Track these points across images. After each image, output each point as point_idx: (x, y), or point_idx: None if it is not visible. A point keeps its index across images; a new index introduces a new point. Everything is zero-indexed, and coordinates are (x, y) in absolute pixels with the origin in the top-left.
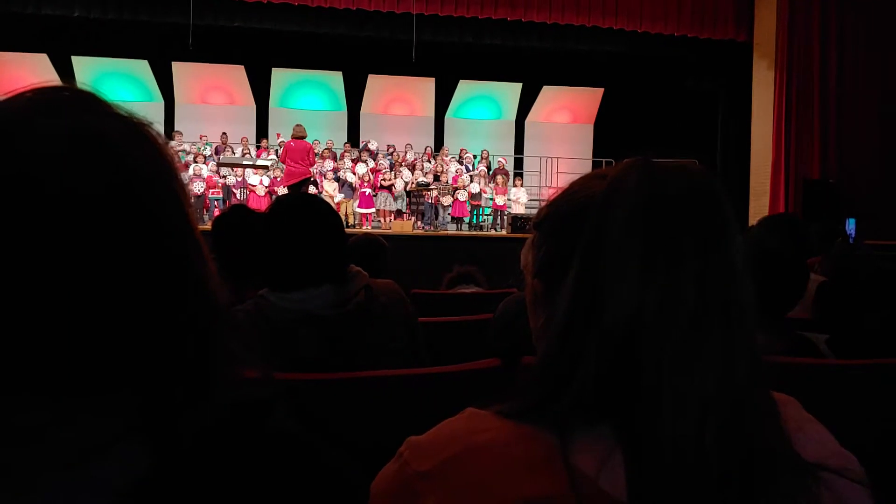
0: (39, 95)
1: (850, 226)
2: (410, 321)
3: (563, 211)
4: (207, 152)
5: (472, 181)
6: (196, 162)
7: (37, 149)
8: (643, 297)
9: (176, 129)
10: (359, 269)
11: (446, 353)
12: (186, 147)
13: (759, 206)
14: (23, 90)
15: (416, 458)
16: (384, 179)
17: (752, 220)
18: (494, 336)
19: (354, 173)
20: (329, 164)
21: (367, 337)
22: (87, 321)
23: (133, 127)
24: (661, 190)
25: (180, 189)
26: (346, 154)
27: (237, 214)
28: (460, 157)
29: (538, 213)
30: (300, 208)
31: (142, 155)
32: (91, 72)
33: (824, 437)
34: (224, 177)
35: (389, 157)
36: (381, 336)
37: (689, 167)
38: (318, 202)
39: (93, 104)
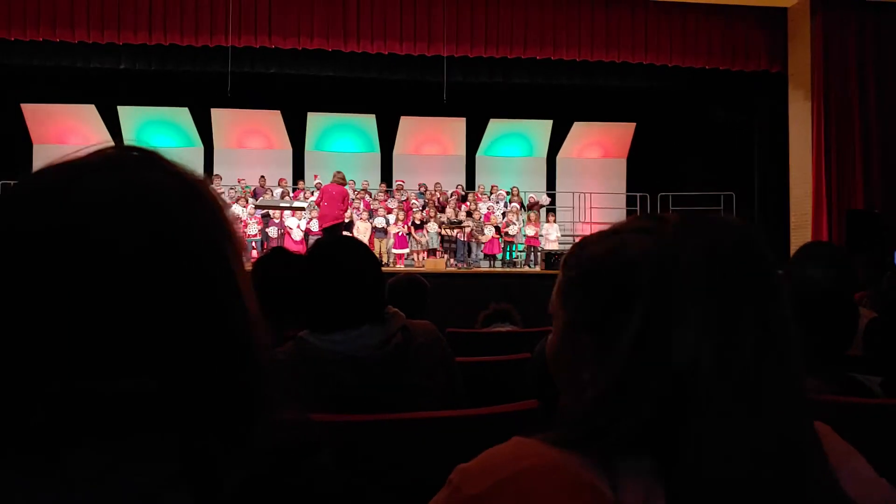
0: (109, 152)
1: None
2: (448, 362)
3: (608, 267)
4: (248, 194)
5: (505, 218)
6: (237, 204)
7: (89, 200)
8: (703, 350)
9: (215, 173)
10: (396, 310)
11: (482, 392)
12: (224, 190)
13: (799, 239)
14: (102, 147)
15: (467, 483)
16: (417, 219)
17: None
18: (533, 377)
19: (387, 216)
20: (362, 205)
21: (405, 378)
22: (129, 366)
23: (188, 183)
24: (719, 250)
25: (229, 242)
26: (378, 196)
27: (277, 256)
28: (492, 193)
29: (569, 265)
30: (339, 251)
31: (192, 209)
32: (135, 121)
33: (865, 470)
34: (266, 217)
35: (422, 195)
36: (419, 377)
37: (732, 221)
38: (357, 244)
39: (153, 162)
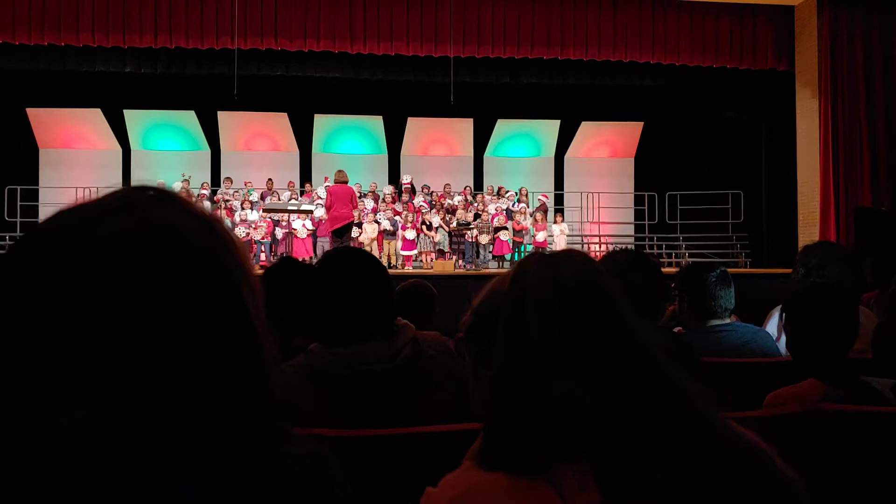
0: (125, 193)
1: None
2: (458, 373)
3: (483, 311)
4: (254, 198)
5: (515, 218)
6: (243, 208)
7: (108, 238)
8: (570, 373)
9: (225, 176)
10: (405, 321)
11: None
12: (231, 193)
13: (808, 236)
14: (119, 189)
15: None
16: (425, 221)
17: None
18: None
19: (395, 215)
20: (370, 205)
21: (416, 391)
22: (142, 397)
23: (200, 220)
24: (558, 278)
25: (242, 275)
26: (386, 198)
27: (285, 266)
28: (500, 194)
29: (463, 324)
30: (348, 264)
31: (205, 244)
32: (141, 124)
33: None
34: (274, 222)
35: (429, 196)
36: (430, 389)
37: (573, 253)
38: (366, 257)
39: (167, 200)
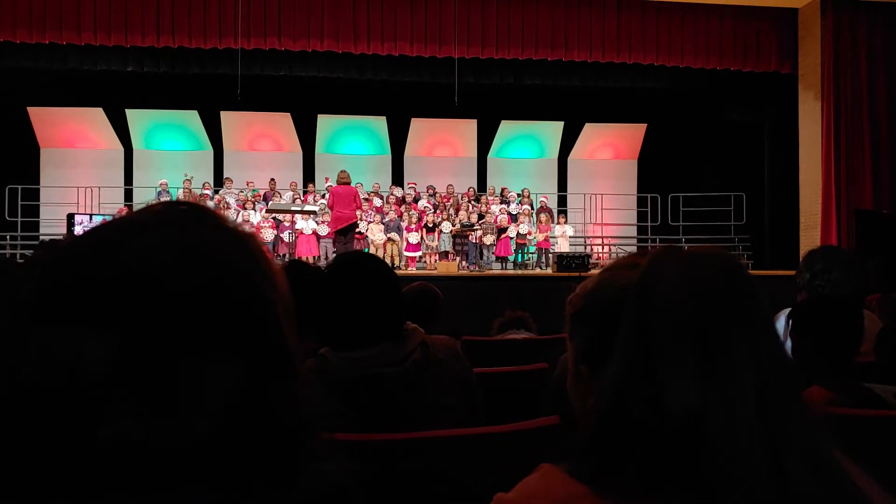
0: (159, 209)
1: None
2: (467, 377)
3: (599, 301)
4: (254, 197)
5: (517, 220)
6: (245, 208)
7: (143, 254)
8: (703, 389)
9: (225, 176)
10: (415, 326)
11: (499, 402)
12: (235, 194)
13: (809, 239)
14: (156, 204)
15: None
16: (429, 222)
17: (804, 254)
18: (554, 390)
19: (398, 221)
20: (377, 203)
21: (425, 394)
22: (173, 410)
23: (233, 235)
24: (699, 280)
25: (273, 290)
26: (390, 199)
27: (294, 269)
28: (503, 196)
29: (572, 302)
30: (357, 269)
31: (237, 259)
32: (144, 124)
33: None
34: (277, 222)
35: (433, 198)
36: (439, 394)
37: (718, 254)
38: (374, 261)
39: (200, 216)
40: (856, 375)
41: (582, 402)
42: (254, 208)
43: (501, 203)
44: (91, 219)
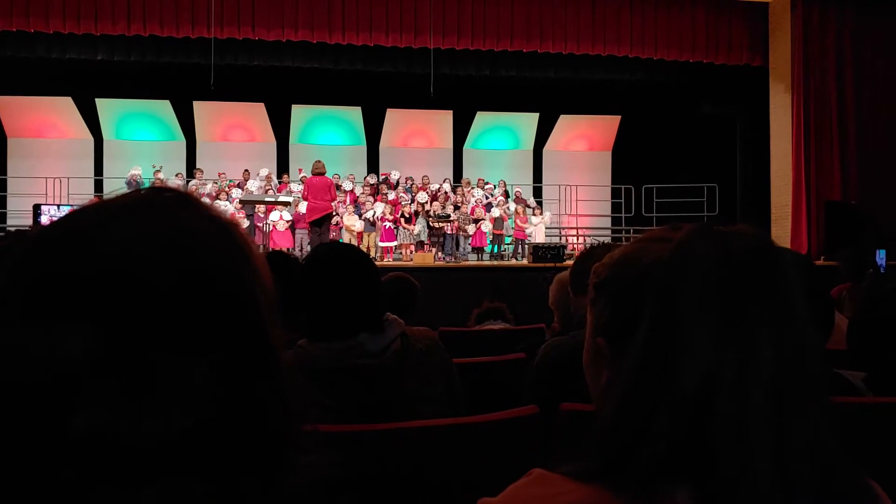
0: (142, 194)
1: (881, 257)
2: (447, 368)
3: (627, 273)
4: (233, 192)
5: (493, 207)
6: (219, 199)
7: (124, 241)
8: (721, 362)
9: (197, 166)
10: (395, 317)
11: (477, 393)
12: (210, 186)
13: (780, 229)
14: (136, 189)
15: None
16: (405, 212)
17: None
18: (535, 382)
19: (374, 209)
20: (349, 187)
21: (404, 385)
22: (151, 401)
23: (219, 224)
24: (731, 257)
25: (258, 282)
26: (365, 189)
27: (274, 260)
28: (479, 187)
29: (596, 272)
30: (336, 259)
31: (222, 250)
32: (114, 113)
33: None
34: (248, 214)
35: (409, 188)
36: (418, 384)
37: (749, 232)
38: (353, 251)
39: (185, 203)
40: (827, 363)
41: (595, 379)
42: (227, 199)
43: (478, 195)
44: (59, 209)
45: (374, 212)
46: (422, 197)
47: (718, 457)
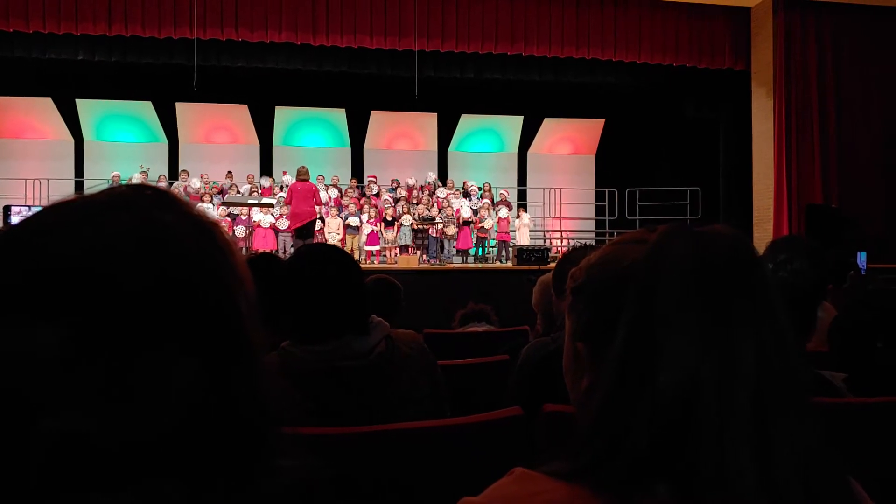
0: (122, 191)
1: (862, 259)
2: (432, 371)
3: (604, 276)
4: (215, 191)
5: (478, 214)
6: (203, 201)
7: (100, 239)
8: (701, 363)
9: (182, 168)
10: (380, 319)
11: (461, 395)
12: (196, 185)
13: (762, 232)
14: (116, 186)
15: None
16: (388, 215)
17: (757, 247)
18: (518, 384)
19: (357, 214)
20: (334, 194)
21: (389, 388)
22: (123, 403)
23: (200, 225)
24: (709, 257)
25: (239, 285)
26: (348, 192)
27: (260, 262)
28: (465, 190)
29: (574, 276)
30: (321, 261)
31: (203, 251)
32: (95, 114)
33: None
34: (231, 216)
35: (393, 191)
36: (403, 387)
37: (726, 232)
38: (338, 253)
39: (165, 202)
40: (808, 363)
41: (575, 384)
42: (211, 201)
43: (463, 196)
44: (30, 210)
45: (360, 219)
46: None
47: (700, 457)
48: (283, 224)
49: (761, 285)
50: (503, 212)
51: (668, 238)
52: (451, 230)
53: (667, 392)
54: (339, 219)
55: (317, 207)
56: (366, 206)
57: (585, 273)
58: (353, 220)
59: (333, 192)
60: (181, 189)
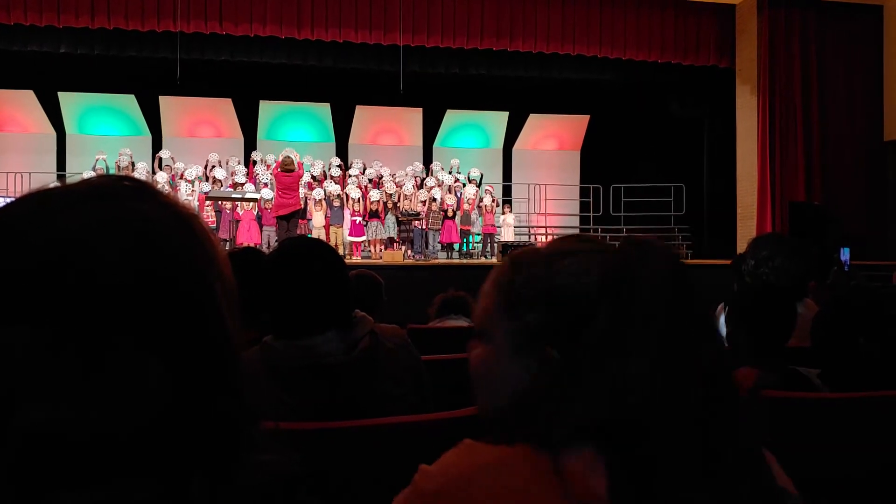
0: (100, 181)
1: (845, 255)
2: (416, 366)
3: (557, 285)
4: (192, 175)
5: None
6: (173, 182)
7: (76, 230)
8: (663, 355)
9: (164, 163)
10: (364, 314)
11: (444, 389)
12: (193, 171)
13: (746, 229)
14: (93, 177)
15: (426, 481)
16: (372, 208)
17: (740, 243)
18: None
19: (339, 184)
20: (317, 172)
21: (373, 383)
22: (98, 398)
23: (179, 216)
24: (674, 271)
25: (218, 277)
26: (332, 173)
27: (245, 256)
28: (450, 172)
29: (513, 289)
30: (304, 254)
31: (182, 242)
32: (78, 108)
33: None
34: (218, 210)
35: (378, 189)
36: (387, 382)
37: (669, 248)
38: (321, 246)
39: (144, 193)
40: (787, 359)
41: (502, 383)
42: (191, 193)
43: (448, 178)
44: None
45: (342, 198)
46: (390, 188)
47: (650, 430)
48: (268, 194)
49: (695, 298)
50: (487, 199)
51: (641, 252)
52: (437, 224)
53: (633, 379)
54: (322, 213)
55: (301, 190)
56: (349, 187)
57: (529, 286)
58: (332, 187)
59: (317, 171)
60: (178, 173)
